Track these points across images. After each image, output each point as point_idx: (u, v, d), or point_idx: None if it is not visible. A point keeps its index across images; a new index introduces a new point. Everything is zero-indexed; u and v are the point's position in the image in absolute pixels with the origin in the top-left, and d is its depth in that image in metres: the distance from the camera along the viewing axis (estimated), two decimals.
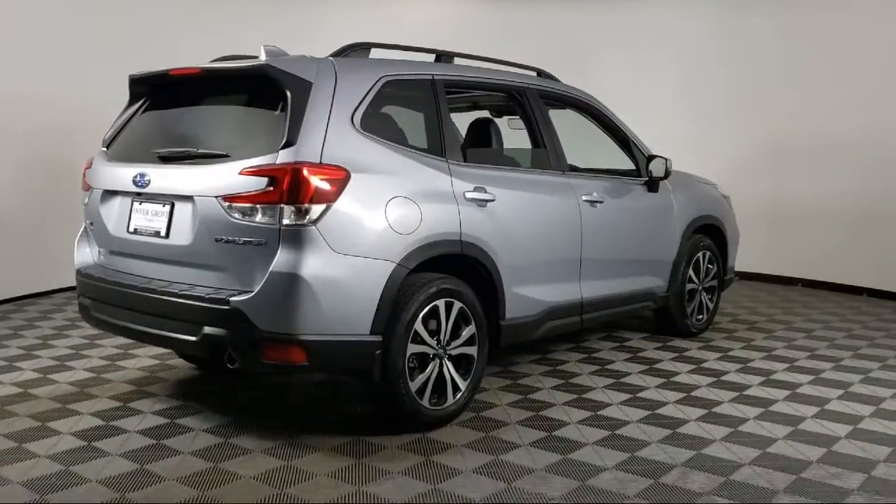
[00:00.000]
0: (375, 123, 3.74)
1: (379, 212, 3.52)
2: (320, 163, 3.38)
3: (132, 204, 3.85)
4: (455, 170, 3.96)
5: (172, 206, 3.64)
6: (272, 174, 3.30)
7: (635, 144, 5.33)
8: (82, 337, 5.57)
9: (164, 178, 3.65)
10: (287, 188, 3.27)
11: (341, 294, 3.40)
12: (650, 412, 4.12)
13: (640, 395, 4.42)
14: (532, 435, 3.78)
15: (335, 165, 3.42)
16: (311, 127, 3.42)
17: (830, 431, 3.86)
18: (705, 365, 5.07)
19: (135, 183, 3.73)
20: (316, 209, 3.32)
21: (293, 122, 3.39)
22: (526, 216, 4.30)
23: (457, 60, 4.45)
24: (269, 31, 7.21)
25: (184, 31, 7.66)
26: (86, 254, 4.13)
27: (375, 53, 4.04)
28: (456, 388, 3.90)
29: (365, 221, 3.48)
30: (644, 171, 5.28)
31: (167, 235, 3.64)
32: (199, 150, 3.62)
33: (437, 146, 3.97)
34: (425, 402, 3.75)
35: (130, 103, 4.17)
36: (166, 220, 3.64)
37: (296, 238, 3.30)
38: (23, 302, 6.90)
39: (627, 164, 5.42)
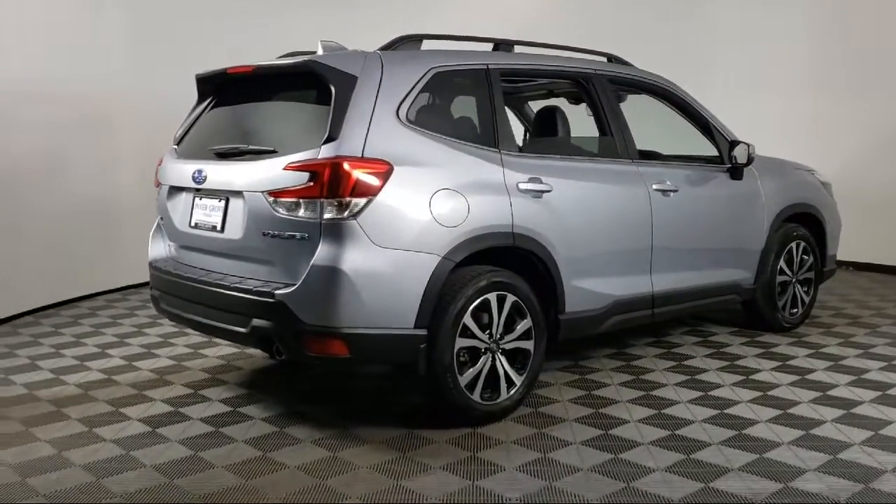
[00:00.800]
0: (423, 116, 3.72)
1: (423, 205, 3.49)
2: (362, 157, 3.38)
3: (193, 199, 3.98)
4: (508, 160, 3.88)
5: (227, 201, 3.74)
6: (313, 169, 3.33)
7: (718, 130, 5.06)
8: (173, 326, 5.82)
9: (219, 174, 3.76)
10: (327, 182, 3.30)
11: (383, 287, 3.40)
12: (718, 411, 3.92)
13: (712, 392, 4.21)
14: (587, 433, 3.67)
15: (378, 159, 3.41)
16: (355, 121, 3.42)
17: None
18: (792, 362, 4.77)
19: (194, 179, 3.86)
20: (357, 203, 3.33)
21: (336, 117, 3.41)
22: (587, 207, 4.16)
23: (522, 49, 4.36)
24: (349, 25, 7.29)
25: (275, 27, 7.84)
26: (158, 248, 4.31)
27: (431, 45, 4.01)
28: (511, 383, 3.83)
29: (408, 214, 3.46)
30: (727, 158, 5.00)
31: (222, 230, 3.74)
32: (249, 147, 3.70)
33: (489, 137, 3.90)
34: (476, 396, 3.70)
35: (198, 102, 4.31)
36: (221, 214, 3.74)
37: (336, 232, 3.32)
38: (128, 291, 7.29)
39: (711, 151, 5.16)
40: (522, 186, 3.87)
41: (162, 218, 4.26)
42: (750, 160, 4.93)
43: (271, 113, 3.93)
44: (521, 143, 4.49)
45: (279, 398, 4.24)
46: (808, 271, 5.62)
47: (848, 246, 7.91)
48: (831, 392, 4.20)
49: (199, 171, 3.82)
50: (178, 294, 3.96)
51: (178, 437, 3.68)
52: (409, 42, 3.91)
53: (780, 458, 3.35)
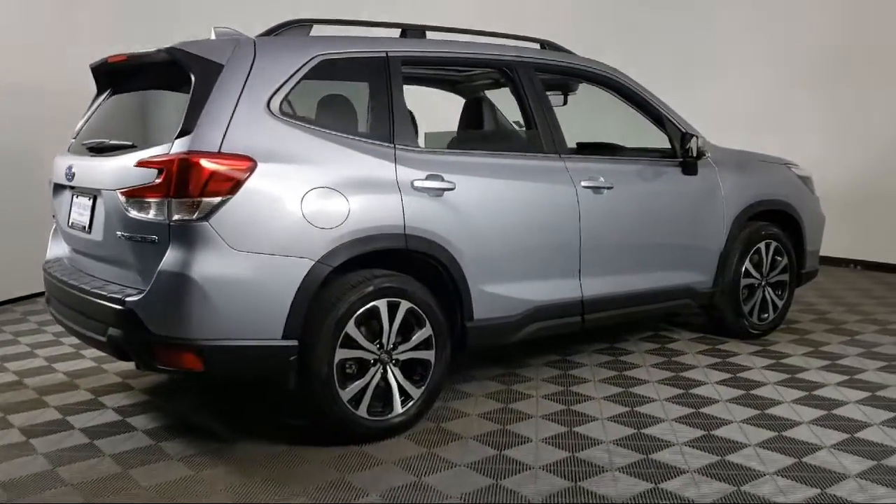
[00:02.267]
0: (301, 108, 3.43)
1: (293, 205, 3.21)
2: (219, 152, 3.11)
3: (71, 198, 3.77)
4: (404, 157, 3.57)
5: (94, 199, 3.51)
6: (161, 166, 3.08)
7: (671, 122, 4.67)
8: None
9: (86, 170, 3.54)
10: (175, 180, 3.04)
11: (243, 295, 3.13)
12: (635, 431, 3.57)
13: (640, 408, 3.87)
14: (474, 453, 3.36)
15: (238, 154, 3.14)
16: (214, 113, 3.16)
17: (842, 468, 3.16)
18: (743, 374, 4.38)
19: (66, 176, 3.64)
20: (209, 203, 3.06)
21: (193, 109, 3.15)
22: (498, 206, 3.83)
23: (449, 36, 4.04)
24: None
25: None
26: (54, 249, 4.11)
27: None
28: (407, 397, 3.54)
29: (274, 215, 3.18)
30: (679, 152, 4.60)
31: (89, 230, 3.52)
32: (111, 142, 3.46)
33: (384, 131, 3.59)
34: (362, 411, 3.41)
35: (96, 93, 4.09)
36: (89, 214, 3.52)
37: (186, 235, 3.06)
38: None
39: (668, 145, 4.76)
40: (419, 184, 3.56)
41: (54, 216, 4.07)
42: (699, 154, 4.53)
43: (140, 105, 3.71)
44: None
45: (178, 406, 4.03)
46: (782, 273, 5.18)
47: (855, 243, 7.51)
48: (771, 410, 3.82)
49: (70, 168, 3.61)
50: (59, 298, 3.76)
51: (47, 450, 3.48)
52: (296, 27, 3.62)
53: (680, 491, 3.00)
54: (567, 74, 4.53)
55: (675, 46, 8.56)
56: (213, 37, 3.49)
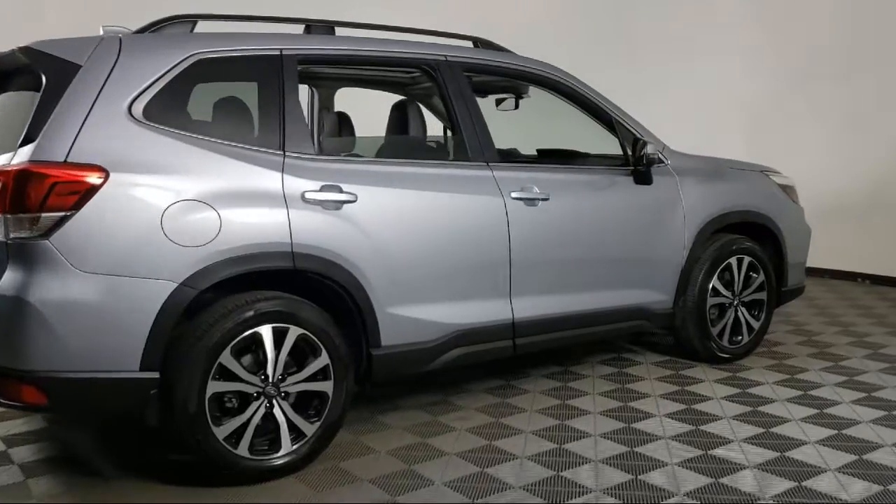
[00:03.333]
0: (172, 112, 3.09)
1: (151, 220, 2.87)
2: (65, 161, 2.79)
3: None
4: (293, 165, 3.21)
5: None
6: None
7: (625, 127, 4.25)
8: None
9: None
10: (11, 194, 2.72)
11: (92, 322, 2.80)
12: (554, 473, 3.17)
13: (569, 445, 3.46)
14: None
15: (87, 164, 2.81)
16: (63, 119, 2.83)
17: None
18: (698, 406, 3.94)
19: None
20: (49, 219, 2.73)
21: (40, 114, 2.84)
22: (411, 220, 3.46)
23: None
24: None
25: None
26: None
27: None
28: (299, 434, 3.18)
29: (128, 232, 2.84)
30: (631, 159, 4.18)
31: None
32: None
33: (272, 138, 3.24)
34: (243, 450, 3.06)
35: None
36: None
37: (23, 254, 2.74)
38: None
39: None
40: (311, 196, 3.20)
41: None
42: (651, 161, 4.10)
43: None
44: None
45: (78, 437, 3.71)
46: (758, 291, 4.71)
47: (864, 256, 6.99)
48: (716, 451, 3.38)
49: None
50: None
51: None
52: (178, 23, 3.28)
53: None
54: (503, 76, 4.15)
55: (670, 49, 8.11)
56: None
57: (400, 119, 3.89)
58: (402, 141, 3.92)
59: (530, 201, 3.79)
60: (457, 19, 6.27)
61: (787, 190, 4.95)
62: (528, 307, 3.83)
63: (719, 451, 3.37)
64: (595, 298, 4.07)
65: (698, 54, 8.01)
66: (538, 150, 5.08)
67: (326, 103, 4.73)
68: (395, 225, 3.41)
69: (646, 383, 4.29)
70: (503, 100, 4.86)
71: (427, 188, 3.52)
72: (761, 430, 3.60)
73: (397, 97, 4.46)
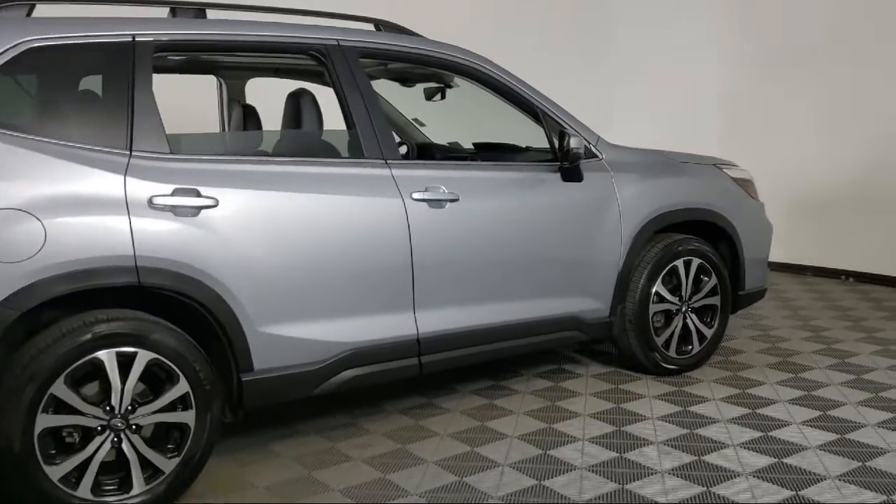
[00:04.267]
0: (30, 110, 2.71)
1: None
2: None
3: None
4: (140, 166, 2.82)
5: None
6: None
7: (554, 118, 3.83)
8: None
9: None
10: None
11: None
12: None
13: (467, 479, 3.04)
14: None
15: None
16: None
17: None
18: (630, 429, 3.53)
19: None
20: None
21: None
22: (286, 226, 3.07)
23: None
24: None
25: None
26: None
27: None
28: (155, 472, 2.80)
29: None
30: (559, 154, 3.76)
31: None
32: None
33: (117, 135, 2.85)
34: (84, 492, 2.68)
35: None
36: None
37: None
38: None
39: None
40: (159, 201, 2.81)
41: None
42: (575, 156, 3.68)
43: None
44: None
45: None
46: (710, 296, 4.29)
47: (848, 252, 6.57)
48: (633, 485, 2.97)
49: None
50: None
51: None
52: (11, 6, 2.89)
53: None
54: (409, 62, 3.74)
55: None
56: None
57: (292, 112, 3.49)
58: (290, 137, 3.52)
59: (436, 203, 3.39)
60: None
61: (744, 184, 4.52)
62: (436, 321, 3.43)
63: (635, 486, 2.96)
64: (516, 309, 3.67)
65: (673, 47, 7.59)
66: (475, 145, 4.67)
67: (234, 95, 4.33)
68: (267, 232, 3.01)
69: (579, 400, 3.88)
70: (434, 91, 4.45)
71: (306, 189, 3.12)
72: (692, 459, 3.19)
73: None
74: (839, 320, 5.40)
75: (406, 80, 4.36)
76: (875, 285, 6.52)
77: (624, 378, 4.21)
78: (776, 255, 7.17)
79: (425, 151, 4.59)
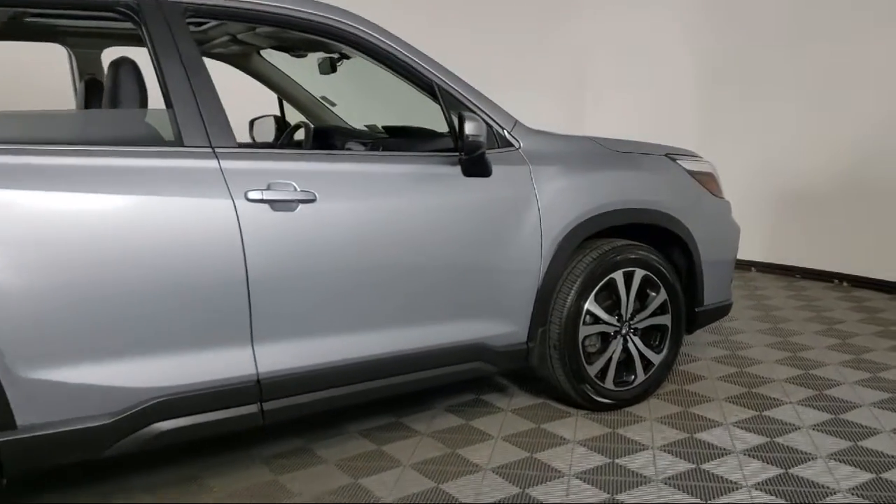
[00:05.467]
0: None
1: None
2: None
3: None
4: None
5: None
6: None
7: (453, 95, 3.06)
8: None
9: None
10: None
11: None
12: None
13: None
14: None
15: None
16: None
17: None
18: (537, 491, 2.79)
19: None
20: None
21: None
22: (64, 237, 2.33)
23: None
24: None
25: None
26: None
27: None
28: None
29: None
30: (460, 141, 2.98)
31: None
32: None
33: None
34: None
35: None
36: None
37: None
38: None
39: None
40: None
41: None
42: (475, 144, 2.91)
43: None
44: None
45: None
46: (659, 314, 3.53)
47: (842, 254, 5.80)
48: None
49: None
50: None
51: None
52: None
53: None
54: (256, 22, 2.98)
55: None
56: None
57: (109, 87, 2.73)
58: (90, 118, 2.77)
59: (282, 204, 2.63)
60: None
61: (704, 178, 3.75)
62: (283, 356, 2.69)
63: None
64: (395, 338, 2.92)
65: (645, 29, 6.82)
66: (385, 129, 3.91)
67: (86, 68, 3.58)
68: (35, 246, 2.26)
69: (486, 447, 3.14)
70: (327, 64, 3.69)
71: (96, 189, 2.37)
72: None
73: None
74: (824, 336, 4.62)
75: (290, 49, 3.60)
76: (871, 291, 5.74)
77: (551, 414, 3.46)
78: (761, 256, 6.46)
79: (322, 137, 3.82)
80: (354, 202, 2.78)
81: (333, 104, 4.26)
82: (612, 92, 7.15)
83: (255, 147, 3.50)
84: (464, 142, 2.88)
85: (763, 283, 6.06)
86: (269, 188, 2.61)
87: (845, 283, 5.97)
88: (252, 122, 4.33)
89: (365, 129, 4.10)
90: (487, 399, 3.66)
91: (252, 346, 2.62)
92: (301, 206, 2.66)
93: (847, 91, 5.74)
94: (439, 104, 3.02)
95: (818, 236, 6.07)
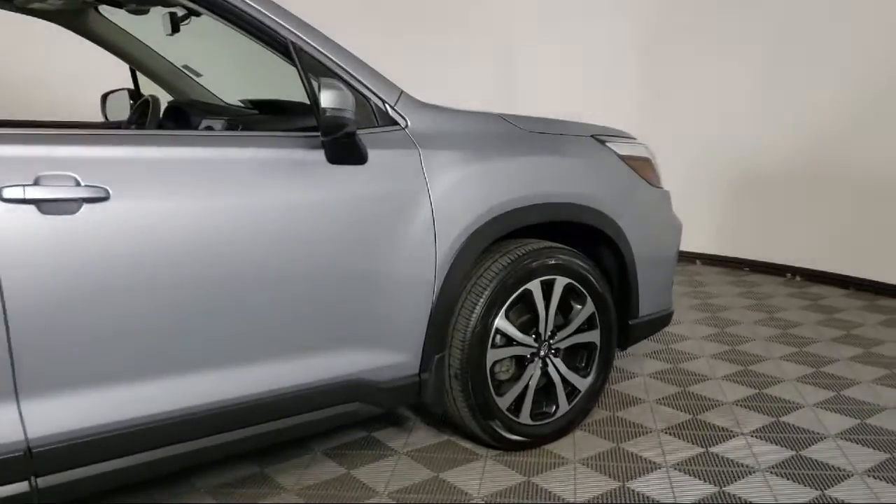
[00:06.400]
0: None
1: None
2: None
3: None
4: None
5: None
6: None
7: (315, 59, 2.34)
8: None
9: None
10: None
11: None
12: None
13: None
14: None
15: None
16: None
17: None
18: None
19: None
20: None
21: None
22: None
23: None
24: None
25: None
26: None
27: None
28: None
29: None
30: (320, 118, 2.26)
31: None
32: None
33: None
34: None
35: None
36: None
37: None
38: None
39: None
40: None
41: None
42: (336, 123, 2.20)
43: None
44: None
45: None
46: (585, 330, 2.88)
47: (793, 244, 5.28)
48: None
49: None
50: None
51: None
52: None
53: None
54: None
55: None
56: None
57: None
58: None
59: (56, 205, 1.90)
60: None
61: (639, 164, 3.11)
62: (67, 414, 1.96)
63: None
64: (230, 381, 2.21)
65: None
66: (251, 102, 3.19)
67: None
68: None
69: None
70: (172, 19, 2.94)
71: None
72: None
73: None
74: (778, 343, 4.04)
75: (121, 3, 2.85)
76: (827, 287, 5.20)
77: (455, 457, 2.81)
78: (707, 247, 5.89)
79: (174, 115, 3.09)
80: (167, 200, 2.06)
81: (199, 74, 3.51)
82: (543, 68, 6.49)
83: (40, 127, 2.74)
84: (322, 118, 2.17)
85: (709, 279, 5.50)
86: (36, 183, 1.87)
87: (798, 278, 5.43)
88: (104, 97, 3.59)
89: (240, 105, 3.37)
90: (380, 437, 2.99)
91: (17, 403, 1.89)
92: (86, 206, 1.93)
93: (805, 60, 5.16)
94: (297, 70, 2.30)
95: (770, 225, 5.52)
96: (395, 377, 2.52)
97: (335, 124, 2.19)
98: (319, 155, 2.31)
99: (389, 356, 2.49)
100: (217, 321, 2.14)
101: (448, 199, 2.51)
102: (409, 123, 2.52)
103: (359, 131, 2.35)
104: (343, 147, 2.30)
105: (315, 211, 2.29)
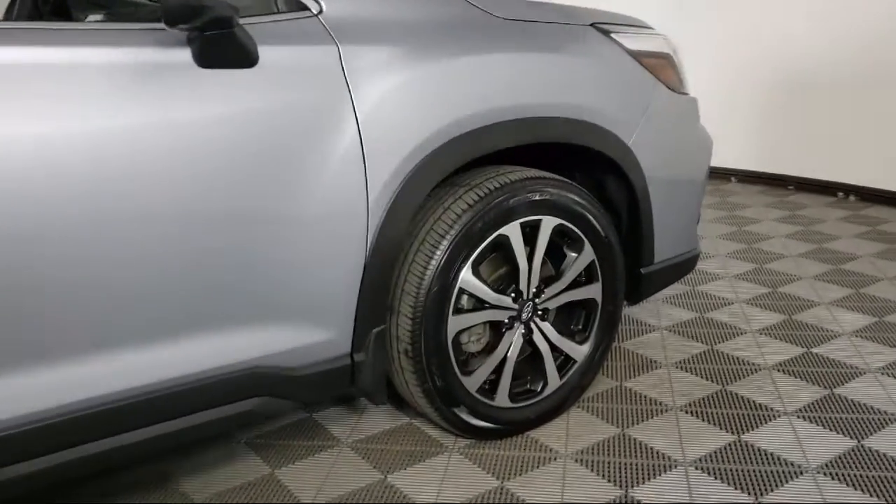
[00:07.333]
0: None
1: None
2: None
3: None
4: None
5: None
6: None
7: None
8: None
9: None
10: None
11: None
12: None
13: None
14: None
15: None
16: None
17: None
18: None
19: None
20: None
21: None
22: None
23: None
24: None
25: None
26: None
27: None
28: None
29: None
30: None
31: None
32: None
33: None
34: None
35: None
36: None
37: None
38: None
39: None
40: None
41: None
42: (197, 6, 1.48)
43: None
44: None
45: None
46: (582, 285, 2.19)
47: (848, 160, 4.53)
48: None
49: None
50: None
51: None
52: None
53: None
54: None
55: None
56: None
57: None
58: None
59: None
60: None
61: (655, 62, 2.34)
62: None
63: None
64: (77, 377, 1.56)
65: None
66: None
67: None
68: None
69: None
70: None
71: None
72: None
73: None
74: (829, 283, 3.31)
75: None
76: (886, 208, 4.42)
77: (413, 449, 2.19)
78: (744, 162, 5.13)
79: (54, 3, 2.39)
80: None
81: None
82: None
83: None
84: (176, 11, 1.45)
85: (746, 200, 4.74)
86: None
87: (852, 198, 4.65)
88: None
89: None
90: (322, 419, 2.36)
91: None
92: None
93: None
94: None
95: (818, 139, 4.72)
96: (314, 361, 1.86)
97: (189, 6, 1.47)
98: (185, 55, 1.59)
99: (304, 333, 1.83)
100: (50, 292, 1.48)
101: (383, 113, 1.80)
102: (323, 8, 1.79)
103: (244, 19, 1.62)
104: (215, 43, 1.58)
105: (180, 135, 1.58)
